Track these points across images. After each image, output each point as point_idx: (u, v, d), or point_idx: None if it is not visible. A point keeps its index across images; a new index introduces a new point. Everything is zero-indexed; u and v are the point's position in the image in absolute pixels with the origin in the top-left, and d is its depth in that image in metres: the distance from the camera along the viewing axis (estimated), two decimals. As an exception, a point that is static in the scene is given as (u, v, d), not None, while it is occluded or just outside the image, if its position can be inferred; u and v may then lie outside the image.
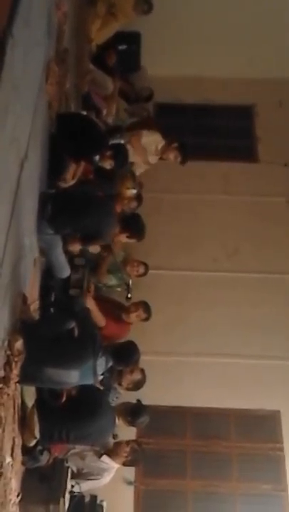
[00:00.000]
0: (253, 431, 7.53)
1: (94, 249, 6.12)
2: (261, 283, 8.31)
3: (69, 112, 6.46)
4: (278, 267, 8.41)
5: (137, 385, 5.81)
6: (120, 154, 6.45)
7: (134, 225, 6.43)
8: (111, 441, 5.90)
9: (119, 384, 5.77)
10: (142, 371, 5.82)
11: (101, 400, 5.09)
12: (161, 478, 7.22)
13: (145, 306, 6.64)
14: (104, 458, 5.88)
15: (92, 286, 6.15)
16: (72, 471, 5.50)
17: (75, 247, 5.78)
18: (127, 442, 5.97)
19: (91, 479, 5.83)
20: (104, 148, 6.11)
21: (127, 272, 7.00)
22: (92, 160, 6.14)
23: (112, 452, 5.91)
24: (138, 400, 6.11)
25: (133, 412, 5.95)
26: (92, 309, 5.97)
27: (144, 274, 7.09)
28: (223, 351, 7.76)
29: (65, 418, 4.83)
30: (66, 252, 5.66)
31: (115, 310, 6.58)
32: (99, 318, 6.08)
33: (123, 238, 6.50)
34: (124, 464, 6.00)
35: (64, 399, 4.65)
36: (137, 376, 5.76)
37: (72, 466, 5.56)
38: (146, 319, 6.68)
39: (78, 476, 5.72)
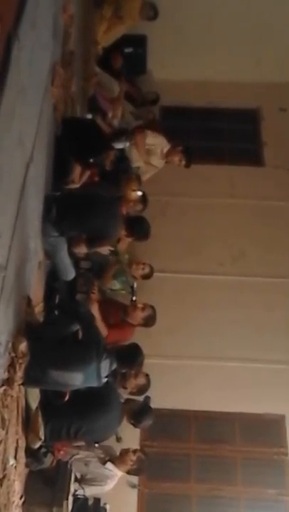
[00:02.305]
0: (258, 435, 7.49)
1: (103, 250, 6.04)
2: (267, 287, 8.29)
3: (73, 117, 6.46)
4: (284, 271, 8.39)
5: (141, 390, 5.75)
6: (124, 159, 6.45)
7: (139, 227, 6.42)
8: (116, 448, 5.91)
9: (124, 388, 5.74)
10: (147, 376, 5.76)
11: (110, 394, 5.10)
12: (165, 482, 7.20)
13: (152, 310, 6.58)
14: (109, 465, 5.89)
15: (96, 289, 6.12)
16: (76, 477, 5.50)
17: (81, 249, 5.76)
18: (134, 451, 5.98)
19: (94, 485, 5.83)
20: (107, 151, 6.10)
21: (132, 272, 6.96)
22: (98, 163, 6.14)
23: (117, 459, 5.93)
24: (147, 397, 6.06)
25: (137, 413, 5.93)
26: (95, 317, 5.96)
27: (149, 275, 7.03)
28: (228, 355, 7.74)
29: (73, 413, 4.87)
30: (72, 254, 5.66)
31: (119, 313, 6.55)
32: (101, 328, 6.05)
33: (128, 239, 6.49)
34: (129, 473, 6.02)
35: (67, 397, 4.65)
36: (141, 381, 5.70)
37: (76, 471, 5.55)
38: (152, 320, 6.58)
39: (82, 481, 5.73)
